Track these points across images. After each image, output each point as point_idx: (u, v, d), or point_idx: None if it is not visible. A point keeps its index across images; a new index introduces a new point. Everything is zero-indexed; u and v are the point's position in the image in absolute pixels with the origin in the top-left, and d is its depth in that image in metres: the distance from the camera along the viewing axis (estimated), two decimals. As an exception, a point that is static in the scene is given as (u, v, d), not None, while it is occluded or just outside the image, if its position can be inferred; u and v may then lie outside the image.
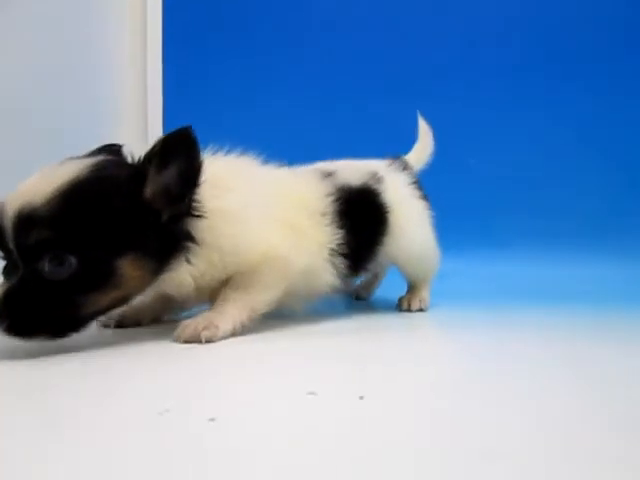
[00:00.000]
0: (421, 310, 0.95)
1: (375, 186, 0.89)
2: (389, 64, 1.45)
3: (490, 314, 0.93)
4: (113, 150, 0.68)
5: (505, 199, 1.37)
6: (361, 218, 0.84)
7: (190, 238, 0.64)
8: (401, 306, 0.96)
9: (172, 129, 0.62)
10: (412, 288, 0.99)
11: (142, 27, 1.45)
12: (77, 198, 0.57)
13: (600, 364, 0.60)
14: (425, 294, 0.98)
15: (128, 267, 0.59)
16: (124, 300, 0.62)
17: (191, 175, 0.63)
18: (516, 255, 1.33)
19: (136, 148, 0.64)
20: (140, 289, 0.63)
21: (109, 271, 0.58)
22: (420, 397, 0.48)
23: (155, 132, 1.41)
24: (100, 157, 0.63)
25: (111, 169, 0.61)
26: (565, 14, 1.39)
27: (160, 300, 0.77)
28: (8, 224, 0.56)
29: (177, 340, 0.64)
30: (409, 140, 1.09)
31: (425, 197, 0.97)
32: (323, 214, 0.79)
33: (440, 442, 0.37)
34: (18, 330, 0.56)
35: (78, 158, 0.63)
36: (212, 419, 0.39)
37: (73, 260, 0.56)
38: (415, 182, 0.97)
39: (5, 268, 0.59)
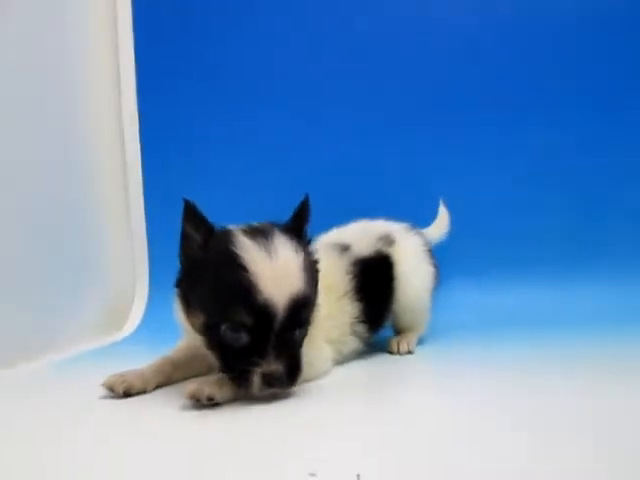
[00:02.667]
0: (409, 352, 0.99)
1: (386, 250, 0.99)
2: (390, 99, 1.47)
3: (475, 348, 1.01)
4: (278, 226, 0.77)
5: (477, 226, 1.38)
6: (376, 286, 0.95)
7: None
8: (391, 349, 0.99)
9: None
10: (401, 332, 1.04)
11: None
12: (312, 284, 0.74)
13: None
14: (413, 339, 1.02)
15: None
16: None
17: None
18: (490, 284, 1.35)
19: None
20: None
21: (307, 329, 0.76)
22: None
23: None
24: (296, 241, 0.74)
25: (308, 252, 0.76)
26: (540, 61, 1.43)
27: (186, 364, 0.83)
28: (279, 307, 0.68)
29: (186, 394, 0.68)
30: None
31: (435, 265, 1.05)
32: (345, 294, 0.90)
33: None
34: (293, 381, 0.70)
35: (284, 239, 0.73)
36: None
37: (303, 330, 0.74)
38: (428, 249, 1.06)
39: (241, 350, 0.69)
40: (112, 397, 0.75)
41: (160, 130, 1.46)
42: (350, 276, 0.90)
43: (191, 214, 0.74)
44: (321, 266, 0.82)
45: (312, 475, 0.49)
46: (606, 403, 0.68)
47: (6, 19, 1.08)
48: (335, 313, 0.87)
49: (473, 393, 0.75)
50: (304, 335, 0.74)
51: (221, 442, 0.59)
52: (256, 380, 0.68)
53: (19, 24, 1.12)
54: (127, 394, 0.75)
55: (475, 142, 1.43)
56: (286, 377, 0.68)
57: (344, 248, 0.95)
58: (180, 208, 1.41)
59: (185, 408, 0.69)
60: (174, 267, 1.31)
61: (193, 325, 0.75)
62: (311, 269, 0.74)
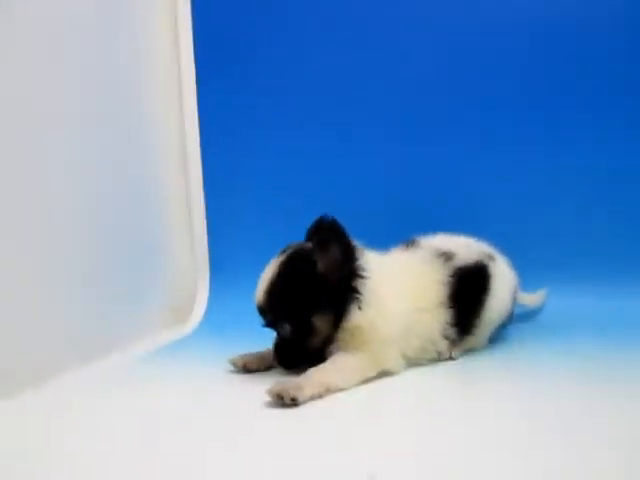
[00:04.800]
0: (451, 358, 1.03)
1: (487, 262, 1.09)
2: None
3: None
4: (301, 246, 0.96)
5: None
6: (472, 293, 1.04)
7: (357, 291, 0.90)
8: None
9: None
10: None
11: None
12: (280, 290, 0.90)
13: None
14: (461, 349, 1.06)
15: (319, 321, 0.89)
16: (324, 343, 0.91)
17: (348, 251, 0.90)
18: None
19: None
20: (329, 334, 0.91)
21: (309, 327, 0.90)
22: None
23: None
24: (289, 252, 0.93)
25: (295, 261, 0.91)
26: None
27: None
28: (259, 306, 0.94)
29: (269, 392, 0.80)
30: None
31: (513, 305, 1.14)
32: (441, 302, 0.99)
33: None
34: (285, 365, 0.94)
35: (288, 255, 0.93)
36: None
37: (287, 327, 0.90)
38: (516, 287, 1.16)
39: None
40: (233, 371, 0.99)
41: (221, 130, 1.55)
42: (450, 282, 1.00)
43: None
44: (420, 274, 0.99)
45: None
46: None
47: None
48: (423, 322, 0.97)
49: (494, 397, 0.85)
50: (299, 332, 0.91)
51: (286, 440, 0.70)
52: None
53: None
54: (246, 369, 0.98)
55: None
56: (276, 358, 0.94)
57: (448, 257, 1.04)
58: (240, 207, 1.52)
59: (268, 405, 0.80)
60: (234, 264, 1.44)
61: None
62: (292, 282, 0.90)
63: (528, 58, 1.43)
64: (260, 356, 1.00)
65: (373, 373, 0.90)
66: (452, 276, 1.01)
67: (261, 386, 0.83)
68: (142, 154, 1.39)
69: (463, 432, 0.70)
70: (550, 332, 1.22)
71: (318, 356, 0.91)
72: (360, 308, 0.90)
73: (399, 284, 0.96)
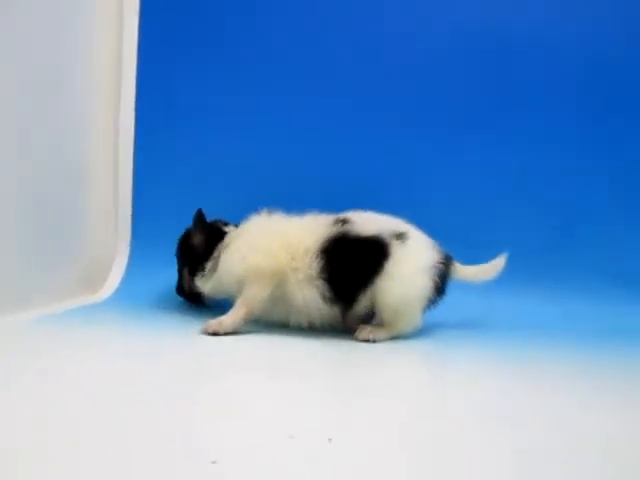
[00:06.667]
0: (367, 340, 1.05)
1: (390, 241, 1.06)
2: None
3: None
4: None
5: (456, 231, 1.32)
6: (352, 260, 1.05)
7: (203, 267, 1.16)
8: (356, 334, 1.06)
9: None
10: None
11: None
12: (176, 249, 1.23)
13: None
14: (382, 333, 1.08)
15: (185, 273, 1.21)
16: (190, 288, 1.20)
17: (207, 237, 1.17)
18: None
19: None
20: (189, 283, 1.20)
21: (182, 274, 1.23)
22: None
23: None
24: (188, 228, 1.22)
25: (184, 235, 1.22)
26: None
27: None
28: None
29: (203, 332, 1.05)
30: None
31: (439, 286, 1.08)
32: (312, 255, 1.06)
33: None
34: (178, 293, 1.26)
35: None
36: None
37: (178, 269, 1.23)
38: (439, 266, 1.08)
39: None
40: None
41: (155, 97, 1.50)
42: (324, 243, 1.06)
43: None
44: (301, 233, 1.08)
45: (291, 437, 0.58)
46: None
47: None
48: (294, 267, 1.06)
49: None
50: (179, 275, 1.24)
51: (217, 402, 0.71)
52: None
53: None
54: None
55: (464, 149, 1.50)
56: None
57: (341, 221, 1.08)
58: (166, 172, 1.47)
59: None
60: (156, 228, 1.40)
61: None
62: (179, 246, 1.22)
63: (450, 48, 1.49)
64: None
65: (264, 290, 1.06)
66: (331, 236, 1.06)
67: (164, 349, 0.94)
68: (68, 119, 1.33)
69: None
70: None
71: (195, 297, 1.21)
72: (204, 276, 1.15)
73: (271, 239, 1.08)
